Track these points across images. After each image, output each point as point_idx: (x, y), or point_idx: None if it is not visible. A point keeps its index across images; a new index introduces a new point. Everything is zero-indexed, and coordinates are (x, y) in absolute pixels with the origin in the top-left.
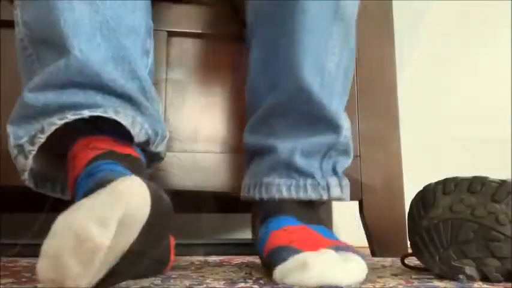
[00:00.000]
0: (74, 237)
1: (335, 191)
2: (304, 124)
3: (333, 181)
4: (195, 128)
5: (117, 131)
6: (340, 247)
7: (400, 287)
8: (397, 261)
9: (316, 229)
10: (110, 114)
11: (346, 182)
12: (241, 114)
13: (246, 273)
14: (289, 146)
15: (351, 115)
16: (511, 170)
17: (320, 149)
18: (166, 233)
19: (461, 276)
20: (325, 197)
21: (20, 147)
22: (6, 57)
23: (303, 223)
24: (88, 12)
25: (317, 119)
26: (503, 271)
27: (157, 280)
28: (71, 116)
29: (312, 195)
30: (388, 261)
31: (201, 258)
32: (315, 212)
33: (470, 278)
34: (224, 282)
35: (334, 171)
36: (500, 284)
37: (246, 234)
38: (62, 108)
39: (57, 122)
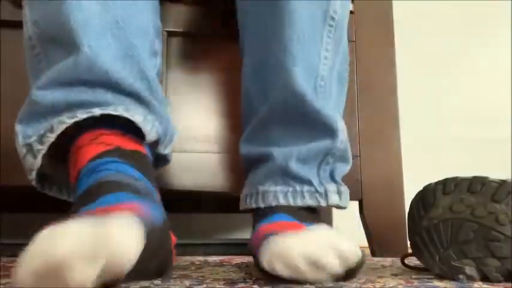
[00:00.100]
0: (54, 272)
1: (333, 198)
2: (300, 130)
3: (331, 188)
4: (195, 128)
5: (123, 128)
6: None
7: (400, 287)
8: (397, 261)
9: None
10: (121, 112)
11: (344, 189)
12: (241, 114)
13: (246, 273)
14: (285, 152)
15: (351, 115)
16: (511, 170)
17: (317, 154)
18: (162, 255)
19: (461, 276)
20: (323, 203)
21: (29, 146)
22: (6, 57)
23: (297, 220)
24: (98, 11)
25: (312, 125)
26: (503, 271)
27: (157, 280)
28: (81, 115)
29: (309, 202)
30: (388, 261)
31: (201, 258)
32: (314, 214)
33: (470, 278)
34: (224, 282)
35: (332, 178)
36: (500, 284)
37: (246, 234)
38: (70, 106)
39: (67, 120)
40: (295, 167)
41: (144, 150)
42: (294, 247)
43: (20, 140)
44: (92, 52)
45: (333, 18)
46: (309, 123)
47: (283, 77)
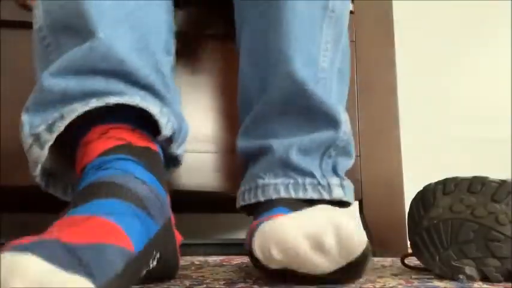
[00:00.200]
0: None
1: (337, 191)
2: (301, 121)
3: (334, 181)
4: (195, 128)
5: (135, 121)
6: None
7: (400, 287)
8: (397, 261)
9: None
10: (137, 102)
11: (348, 184)
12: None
13: (246, 273)
14: (285, 144)
15: (351, 115)
16: (511, 170)
17: (318, 146)
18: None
19: (461, 276)
20: (326, 196)
21: (36, 136)
22: (6, 57)
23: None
24: (113, 4)
25: (314, 115)
26: (503, 271)
27: (157, 280)
28: (94, 103)
29: (312, 194)
30: (388, 261)
31: (201, 258)
32: None
33: (470, 278)
34: (224, 282)
35: (335, 172)
36: (500, 284)
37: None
38: (83, 95)
39: (79, 108)
40: (296, 158)
41: (155, 147)
42: (289, 226)
43: (26, 130)
44: (108, 40)
45: (332, 11)
46: (311, 113)
47: (283, 64)
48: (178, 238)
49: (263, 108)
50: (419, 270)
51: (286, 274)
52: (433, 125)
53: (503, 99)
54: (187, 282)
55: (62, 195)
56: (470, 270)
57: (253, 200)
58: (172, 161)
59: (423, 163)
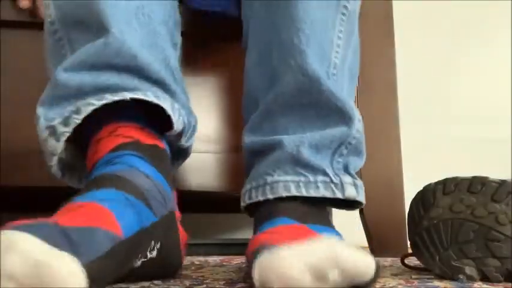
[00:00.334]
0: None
1: (350, 190)
2: (312, 116)
3: (347, 179)
4: None
5: (143, 118)
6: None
7: (400, 287)
8: (397, 261)
9: (318, 229)
10: (152, 98)
11: (361, 184)
12: (241, 114)
13: (246, 273)
14: (296, 139)
15: None
16: (511, 170)
17: (330, 142)
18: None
19: (461, 276)
20: (339, 195)
21: (52, 129)
22: (6, 57)
23: (300, 222)
24: None
25: (326, 110)
26: (503, 271)
27: (157, 280)
28: (110, 97)
29: (324, 193)
30: (388, 261)
31: (201, 258)
32: (322, 213)
33: (470, 278)
34: (224, 282)
35: (347, 171)
36: (500, 284)
37: (246, 234)
38: (97, 90)
39: (96, 102)
40: (307, 154)
41: (163, 145)
42: (291, 261)
43: (41, 123)
44: (121, 35)
45: (345, 7)
46: (323, 108)
47: (295, 58)
48: (184, 237)
49: (272, 103)
50: (419, 270)
51: None
52: (433, 125)
53: (503, 99)
54: (187, 282)
55: (77, 184)
56: (470, 270)
57: (261, 198)
58: (181, 153)
59: (423, 163)
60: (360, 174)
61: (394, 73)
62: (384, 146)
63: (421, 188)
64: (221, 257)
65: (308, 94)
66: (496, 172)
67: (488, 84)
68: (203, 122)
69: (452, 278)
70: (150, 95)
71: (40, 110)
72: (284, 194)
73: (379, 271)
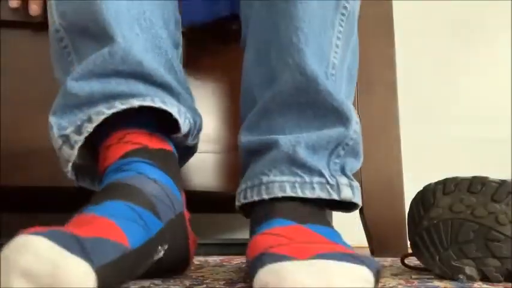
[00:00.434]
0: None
1: (346, 191)
2: (309, 116)
3: (343, 181)
4: None
5: (150, 122)
6: (342, 254)
7: (400, 287)
8: (397, 261)
9: (316, 229)
10: (159, 105)
11: (357, 185)
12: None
13: (246, 273)
14: (292, 139)
15: None
16: (511, 170)
17: (327, 143)
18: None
19: (461, 276)
20: (335, 196)
21: (65, 138)
22: (6, 57)
23: (297, 223)
24: (126, 3)
25: (323, 110)
26: (503, 271)
27: (157, 280)
28: (120, 105)
29: (319, 194)
30: (388, 261)
31: (201, 258)
32: (319, 213)
33: (470, 278)
34: (224, 282)
35: (343, 172)
36: (500, 284)
37: (246, 234)
38: (107, 98)
39: (106, 111)
40: (304, 154)
41: (170, 147)
42: (293, 278)
43: (55, 132)
44: (126, 43)
45: (345, 8)
46: (320, 108)
47: (294, 57)
48: (193, 237)
49: (270, 102)
50: (419, 270)
51: None
52: (433, 125)
53: (503, 99)
54: (187, 282)
55: (90, 186)
56: (470, 270)
57: (256, 198)
58: (188, 151)
59: (423, 163)
60: (360, 174)
61: (394, 73)
62: (384, 146)
63: (421, 188)
64: (221, 257)
65: (305, 93)
66: (496, 172)
67: (488, 84)
68: (204, 122)
69: (452, 278)
70: (157, 101)
71: (53, 119)
72: (279, 194)
73: (379, 278)
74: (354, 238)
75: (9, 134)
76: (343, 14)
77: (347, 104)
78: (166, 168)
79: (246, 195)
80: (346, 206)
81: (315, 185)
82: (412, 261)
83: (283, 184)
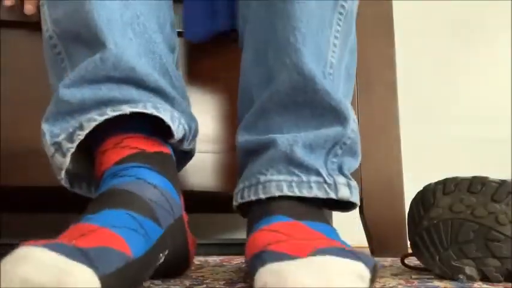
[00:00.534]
0: None
1: (343, 191)
2: (307, 115)
3: (341, 180)
4: None
5: (146, 126)
6: (339, 250)
7: (400, 287)
8: (397, 261)
9: (313, 226)
10: (151, 111)
11: (355, 184)
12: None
13: (246, 273)
14: (290, 139)
15: None
16: (511, 170)
17: (325, 142)
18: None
19: (461, 276)
20: (332, 195)
21: (58, 145)
22: (6, 57)
23: (295, 219)
24: (119, 8)
25: (321, 109)
26: (503, 271)
27: (157, 280)
28: (111, 112)
29: (317, 193)
30: (388, 261)
31: (201, 258)
32: (317, 212)
33: (470, 278)
34: (224, 282)
35: (341, 171)
36: (500, 284)
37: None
38: (99, 104)
39: (98, 118)
40: (301, 153)
41: (168, 150)
42: (295, 279)
43: (47, 139)
44: (118, 49)
45: (343, 7)
46: (318, 107)
47: (291, 56)
48: (192, 239)
49: (267, 101)
50: (419, 270)
51: None
52: (433, 125)
53: (503, 99)
54: (187, 282)
55: (86, 192)
56: (470, 270)
57: (253, 197)
58: (185, 156)
59: (423, 163)
60: (359, 174)
61: (394, 73)
62: (384, 146)
63: (421, 188)
64: (221, 257)
65: (303, 93)
66: (496, 172)
67: (488, 84)
68: (203, 122)
69: (452, 278)
70: (150, 106)
71: (45, 126)
72: (276, 193)
73: (375, 277)
74: (354, 238)
75: (9, 134)
76: (340, 13)
77: (345, 103)
78: (165, 171)
79: (243, 194)
80: (344, 205)
81: (312, 184)
82: (412, 261)
83: (280, 183)
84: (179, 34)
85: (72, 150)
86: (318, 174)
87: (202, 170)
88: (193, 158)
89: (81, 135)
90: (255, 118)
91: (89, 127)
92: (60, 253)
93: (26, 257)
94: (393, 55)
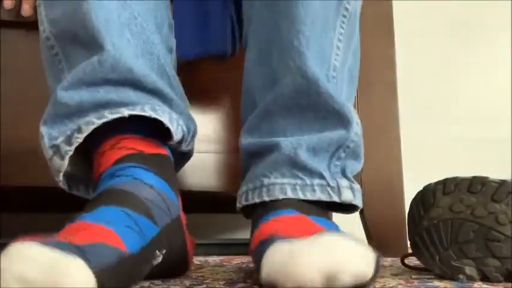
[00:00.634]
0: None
1: (346, 194)
2: (311, 119)
3: (344, 183)
4: None
5: (144, 128)
6: (346, 235)
7: (400, 287)
8: (397, 261)
9: (319, 221)
10: (149, 113)
11: (358, 188)
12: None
13: (246, 273)
14: (293, 142)
15: None
16: (511, 170)
17: (328, 145)
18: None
19: (461, 276)
20: (335, 199)
21: (56, 148)
22: (6, 57)
23: (302, 213)
24: (116, 8)
25: (324, 112)
26: (503, 271)
27: (157, 280)
28: (109, 115)
29: (320, 196)
30: (388, 261)
31: (201, 258)
32: (322, 210)
33: (470, 278)
34: (224, 282)
35: (344, 174)
36: (500, 284)
37: (246, 234)
38: (97, 107)
39: (96, 121)
40: (305, 156)
41: (166, 151)
42: (303, 260)
43: (46, 142)
44: (116, 50)
45: (346, 9)
46: (321, 110)
47: (295, 59)
48: (190, 240)
49: (271, 104)
50: (419, 270)
51: None
52: (433, 125)
53: (503, 99)
54: (187, 282)
55: (84, 194)
56: (470, 270)
57: (257, 200)
58: (183, 157)
59: (423, 163)
60: (360, 174)
61: (394, 73)
62: (384, 146)
63: (421, 188)
64: (221, 257)
65: (306, 96)
66: (496, 172)
67: (488, 84)
68: (203, 122)
69: (452, 278)
70: (148, 109)
71: (43, 129)
72: (280, 196)
73: (379, 267)
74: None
75: (9, 134)
76: (344, 16)
77: (348, 106)
78: (162, 172)
79: (247, 197)
80: (347, 208)
81: (316, 187)
82: (412, 261)
83: (284, 186)
84: None
85: (71, 153)
86: (322, 177)
87: (202, 170)
88: (193, 158)
89: (79, 138)
90: (259, 120)
91: (87, 130)
92: (53, 248)
93: (18, 254)
94: (393, 55)
